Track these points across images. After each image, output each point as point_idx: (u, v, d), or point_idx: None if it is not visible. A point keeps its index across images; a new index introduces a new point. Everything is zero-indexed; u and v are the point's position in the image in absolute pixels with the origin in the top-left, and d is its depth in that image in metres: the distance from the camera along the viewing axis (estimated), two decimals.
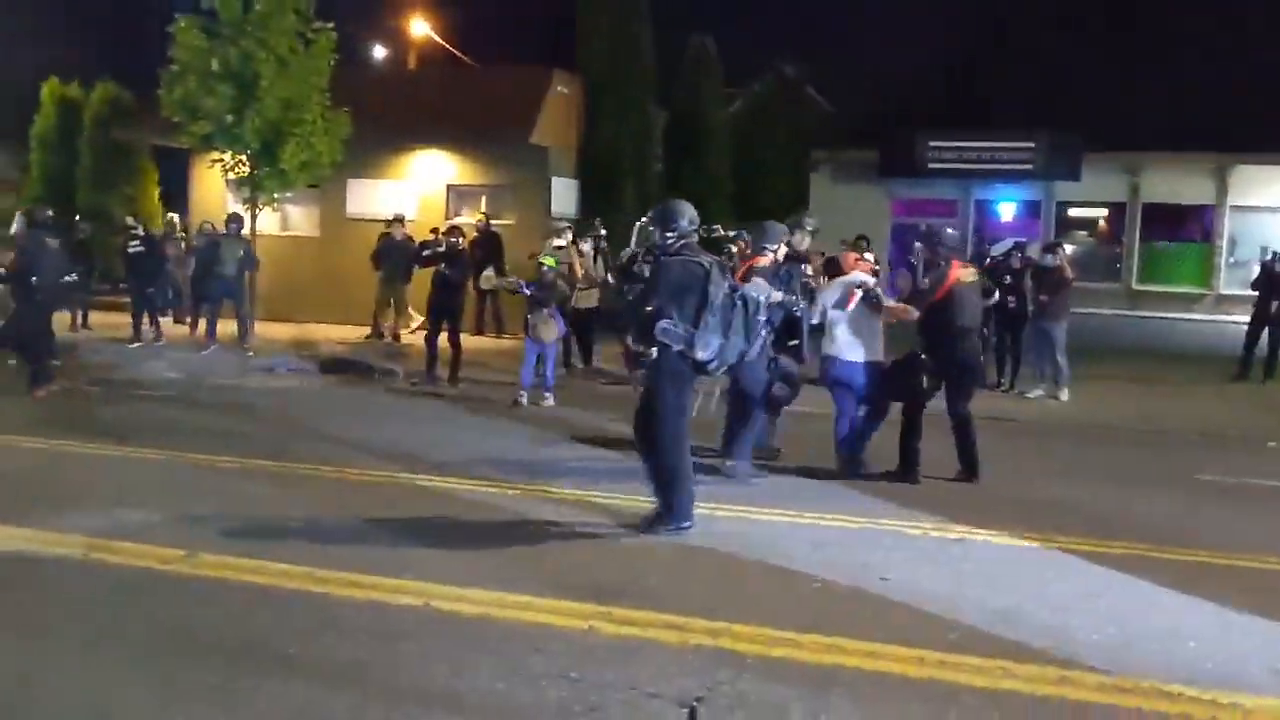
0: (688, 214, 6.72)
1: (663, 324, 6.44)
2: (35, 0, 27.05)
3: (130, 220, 16.45)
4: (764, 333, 7.42)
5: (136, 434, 9.31)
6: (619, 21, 20.00)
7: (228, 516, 6.81)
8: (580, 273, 13.43)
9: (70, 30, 27.37)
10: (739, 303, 6.62)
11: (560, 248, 13.19)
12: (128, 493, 7.29)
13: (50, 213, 12.19)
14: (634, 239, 8.68)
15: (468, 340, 13.65)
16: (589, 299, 14.03)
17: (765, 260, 8.45)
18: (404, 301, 16.74)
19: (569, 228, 14.56)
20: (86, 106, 21.16)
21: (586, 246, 14.42)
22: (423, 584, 5.54)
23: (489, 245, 16.92)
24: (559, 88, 19.18)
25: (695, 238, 6.77)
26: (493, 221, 17.74)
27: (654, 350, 6.52)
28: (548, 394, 11.65)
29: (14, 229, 12.86)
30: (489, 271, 14.00)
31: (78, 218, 18.09)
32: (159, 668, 4.47)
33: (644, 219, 7.44)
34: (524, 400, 11.48)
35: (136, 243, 15.58)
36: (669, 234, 6.66)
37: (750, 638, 4.92)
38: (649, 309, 6.53)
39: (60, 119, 21.47)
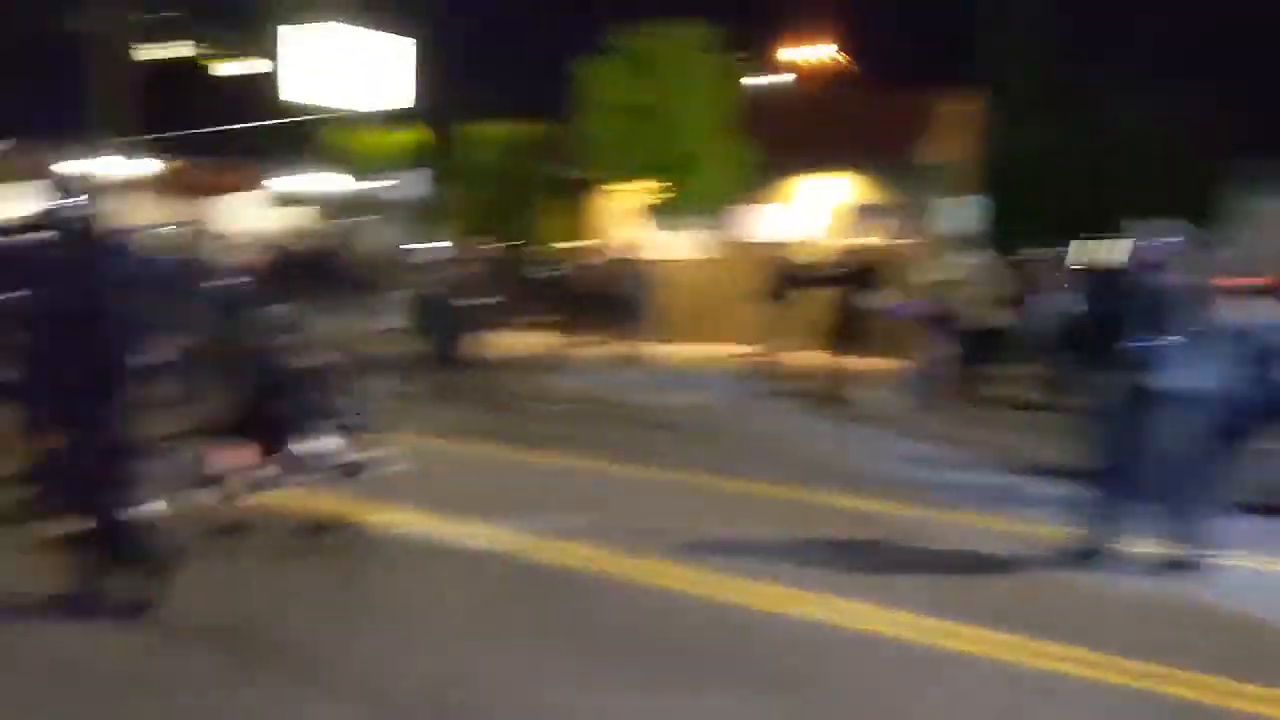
0: (1181, 233, 6.28)
1: (1142, 345, 6.03)
2: (477, 49, 30.05)
3: (552, 246, 17.67)
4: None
5: (552, 442, 10.01)
6: (1025, 37, 19.24)
7: (639, 522, 7.16)
8: (979, 291, 12.98)
9: (506, 73, 30.10)
10: (1230, 331, 6.11)
11: (962, 266, 12.85)
12: (548, 496, 7.86)
13: (452, 238, 13.38)
14: (1080, 255, 8.22)
15: (853, 360, 13.51)
16: (989, 318, 13.51)
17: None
18: (800, 324, 16.86)
19: (972, 246, 14.12)
20: (515, 143, 23.18)
21: (986, 263, 13.92)
22: (835, 599, 5.55)
23: (879, 266, 16.72)
24: (956, 105, 18.71)
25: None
26: (890, 241, 17.55)
27: (1124, 374, 6.13)
28: (936, 417, 11.26)
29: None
30: (875, 292, 13.85)
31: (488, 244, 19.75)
32: (585, 663, 4.75)
33: (1134, 235, 6.81)
34: (927, 424, 11.20)
35: (555, 267, 16.69)
36: (1162, 253, 6.22)
37: (1200, 686, 4.51)
38: (1128, 328, 6.13)
39: (496, 154, 23.69)
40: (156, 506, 6.51)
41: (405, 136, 24.75)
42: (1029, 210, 17.83)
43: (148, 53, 22.02)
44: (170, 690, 4.33)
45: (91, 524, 5.12)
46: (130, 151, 23.04)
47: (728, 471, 8.85)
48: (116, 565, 5.20)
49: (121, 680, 4.41)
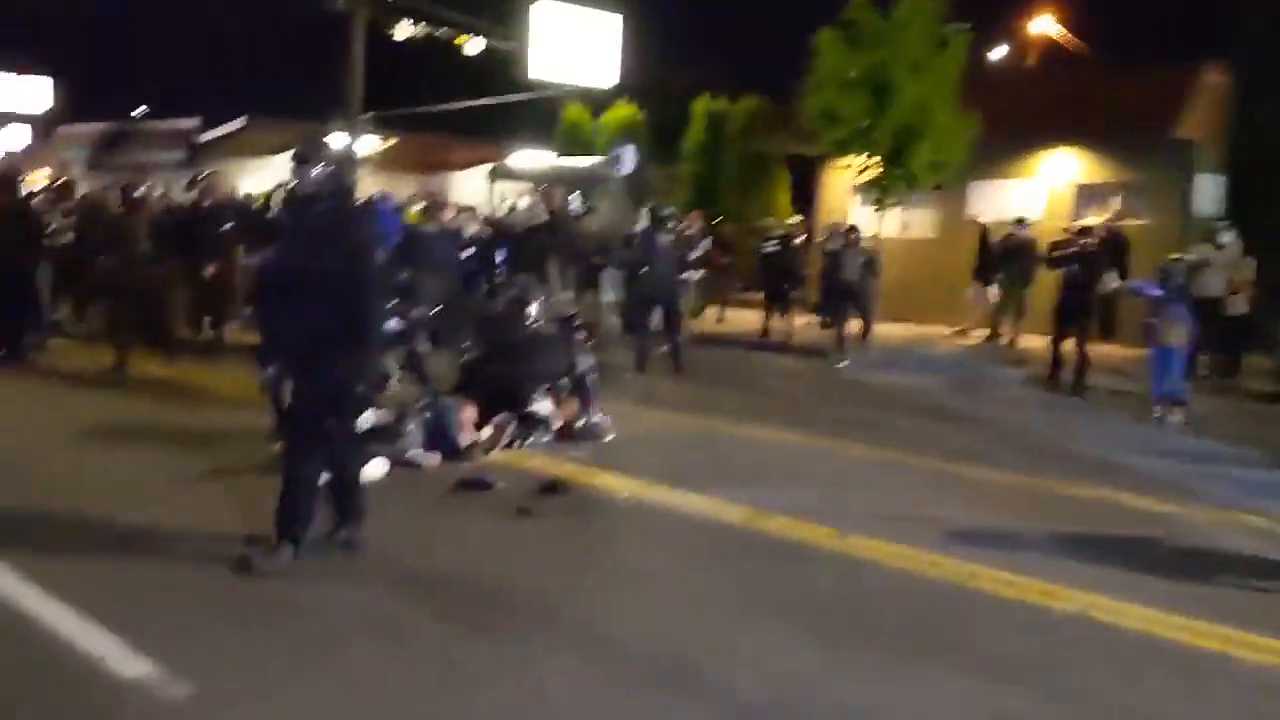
0: None
1: None
2: (691, 25, 30.24)
3: (770, 222, 17.57)
4: None
5: (773, 417, 10.00)
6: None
7: (870, 501, 7.10)
8: (1223, 275, 12.20)
9: (719, 49, 30.15)
10: None
11: (1204, 248, 12.10)
12: (772, 470, 7.87)
13: (670, 212, 13.41)
14: None
15: (1085, 344, 12.89)
16: (1232, 305, 12.72)
17: None
18: (1025, 305, 16.29)
19: (1228, 226, 13.28)
20: (731, 119, 23.18)
21: (1230, 247, 13.06)
22: (1076, 591, 5.37)
23: (1113, 247, 15.92)
24: (1198, 79, 17.57)
25: None
26: (1123, 221, 16.68)
27: None
28: (1176, 408, 10.64)
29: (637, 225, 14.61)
30: (1111, 274, 13.18)
31: (716, 221, 19.80)
32: (822, 638, 4.75)
33: None
34: (1166, 415, 10.61)
35: (774, 243, 16.57)
36: None
37: None
38: None
39: (708, 132, 23.75)
40: (384, 463, 6.94)
41: (622, 112, 25.12)
42: (1273, 189, 16.54)
43: (401, 31, 23.04)
44: (405, 638, 4.55)
45: (328, 475, 5.46)
46: (370, 126, 24.23)
47: (956, 454, 8.65)
48: (349, 516, 5.54)
49: (358, 627, 4.66)
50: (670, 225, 12.88)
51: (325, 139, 5.99)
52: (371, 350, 5.27)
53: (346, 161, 5.26)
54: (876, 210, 16.90)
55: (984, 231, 17.14)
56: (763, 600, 5.20)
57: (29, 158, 29.22)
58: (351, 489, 5.58)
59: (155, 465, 7.26)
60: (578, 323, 9.00)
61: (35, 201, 13.85)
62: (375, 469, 6.82)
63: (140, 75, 45.90)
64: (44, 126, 33.36)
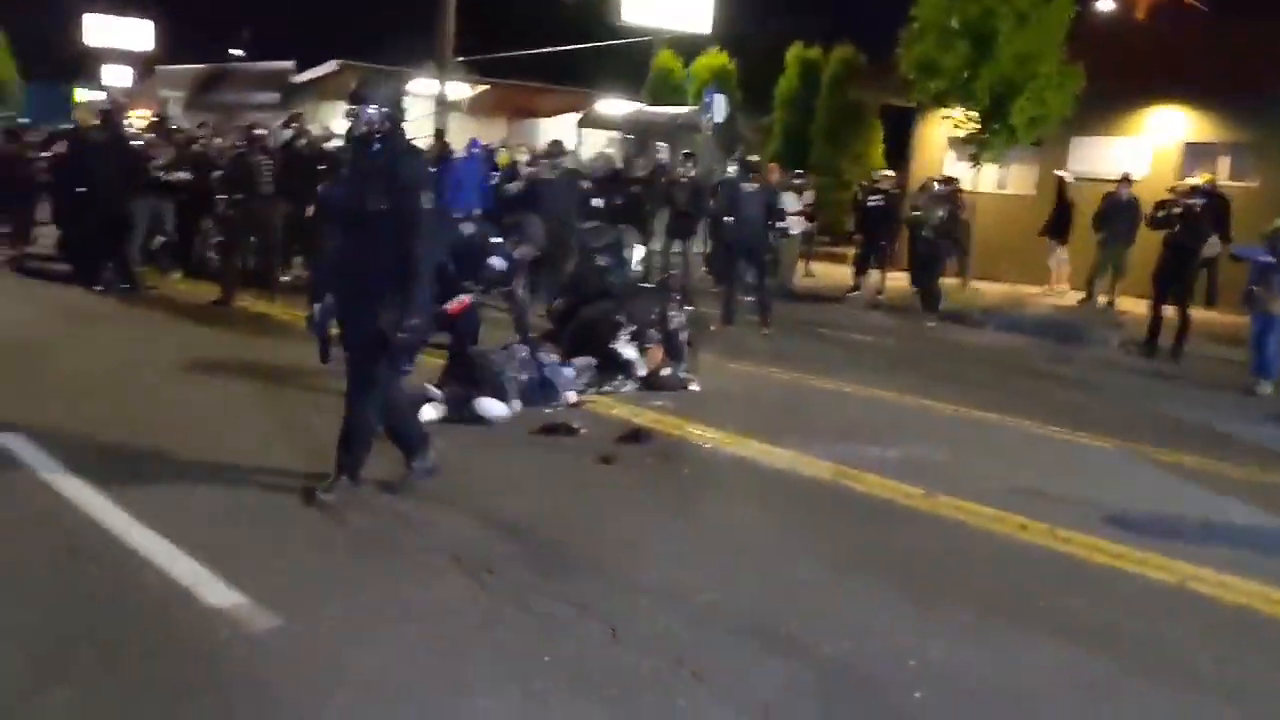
0: None
1: None
2: None
3: (873, 176, 17.12)
4: None
5: (861, 374, 9.83)
6: None
7: (959, 461, 6.94)
8: None
9: None
10: None
11: None
12: (860, 427, 7.73)
13: (753, 160, 13.15)
14: None
15: (1186, 309, 12.39)
16: None
17: None
18: (1125, 266, 15.77)
19: None
20: (825, 68, 22.71)
21: None
22: (1174, 561, 5.19)
23: (1215, 209, 15.27)
24: None
25: None
26: (1231, 182, 16.00)
27: None
28: (1265, 381, 10.18)
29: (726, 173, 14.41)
30: (1214, 238, 12.64)
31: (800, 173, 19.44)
32: (909, 598, 4.64)
33: None
34: (1255, 386, 10.18)
35: (877, 197, 16.19)
36: None
37: None
38: None
39: (801, 81, 23.30)
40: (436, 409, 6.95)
41: (714, 60, 24.76)
42: None
43: None
44: (487, 578, 4.53)
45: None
46: (460, 72, 24.24)
47: (1047, 416, 8.41)
48: (413, 448, 5.61)
49: (442, 566, 4.66)
50: (757, 174, 12.63)
51: (382, 79, 5.98)
52: (419, 290, 5.26)
53: (399, 103, 5.29)
54: (972, 165, 16.46)
55: (1061, 186, 16.59)
56: (849, 557, 5.10)
57: (130, 96, 29.87)
58: (403, 424, 5.64)
59: (252, 398, 7.40)
60: (672, 273, 8.91)
61: (142, 138, 14.22)
62: (428, 413, 6.87)
63: (237, 18, 46.53)
64: (144, 66, 34.04)
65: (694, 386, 8.57)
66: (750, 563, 4.93)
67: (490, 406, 7.04)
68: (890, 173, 17.45)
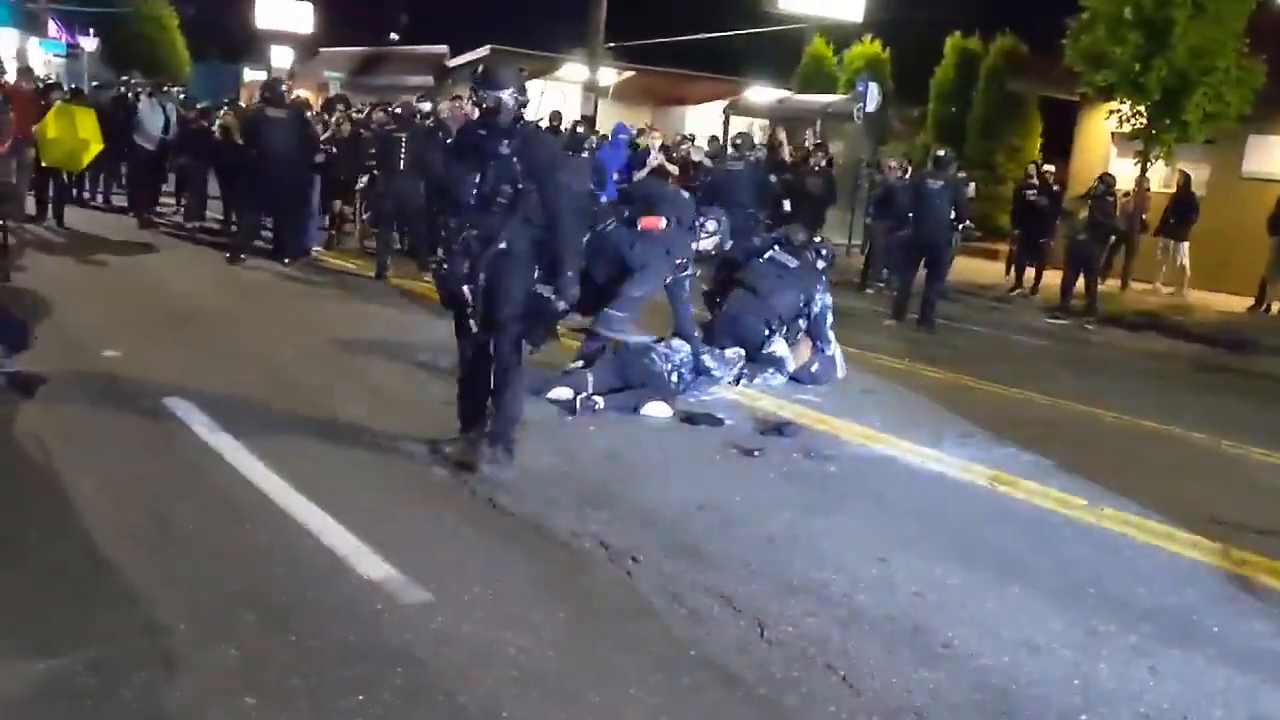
0: None
1: None
2: None
3: (1031, 170, 16.52)
4: None
5: (1018, 376, 9.48)
6: None
7: (1123, 472, 6.61)
8: None
9: None
10: None
11: None
12: (1017, 431, 7.42)
13: (951, 154, 12.78)
14: None
15: None
16: None
17: None
18: None
19: None
20: (983, 59, 21.99)
21: None
22: None
23: None
24: None
25: None
26: None
27: None
28: None
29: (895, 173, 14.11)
30: None
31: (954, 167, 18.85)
32: (1072, 614, 4.42)
33: None
34: None
35: (1034, 192, 15.61)
36: None
37: None
38: None
39: (958, 71, 22.62)
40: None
41: (867, 49, 24.26)
42: None
43: None
44: (632, 566, 4.50)
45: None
46: (608, 58, 24.36)
47: (1214, 428, 7.97)
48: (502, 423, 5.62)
49: (589, 552, 4.65)
50: (952, 170, 12.27)
51: (508, 63, 6.13)
52: (568, 267, 5.41)
53: (524, 86, 5.42)
54: (1137, 163, 15.72)
55: (1185, 182, 15.91)
56: (1007, 567, 4.88)
57: (293, 77, 30.93)
58: (505, 400, 5.62)
59: (408, 374, 7.53)
60: (820, 261, 8.68)
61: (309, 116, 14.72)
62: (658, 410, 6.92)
63: (394, 3, 47.76)
64: (306, 48, 35.21)
65: (839, 372, 8.38)
66: (902, 567, 4.77)
67: (657, 410, 6.96)
68: (1049, 167, 16.80)
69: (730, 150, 12.50)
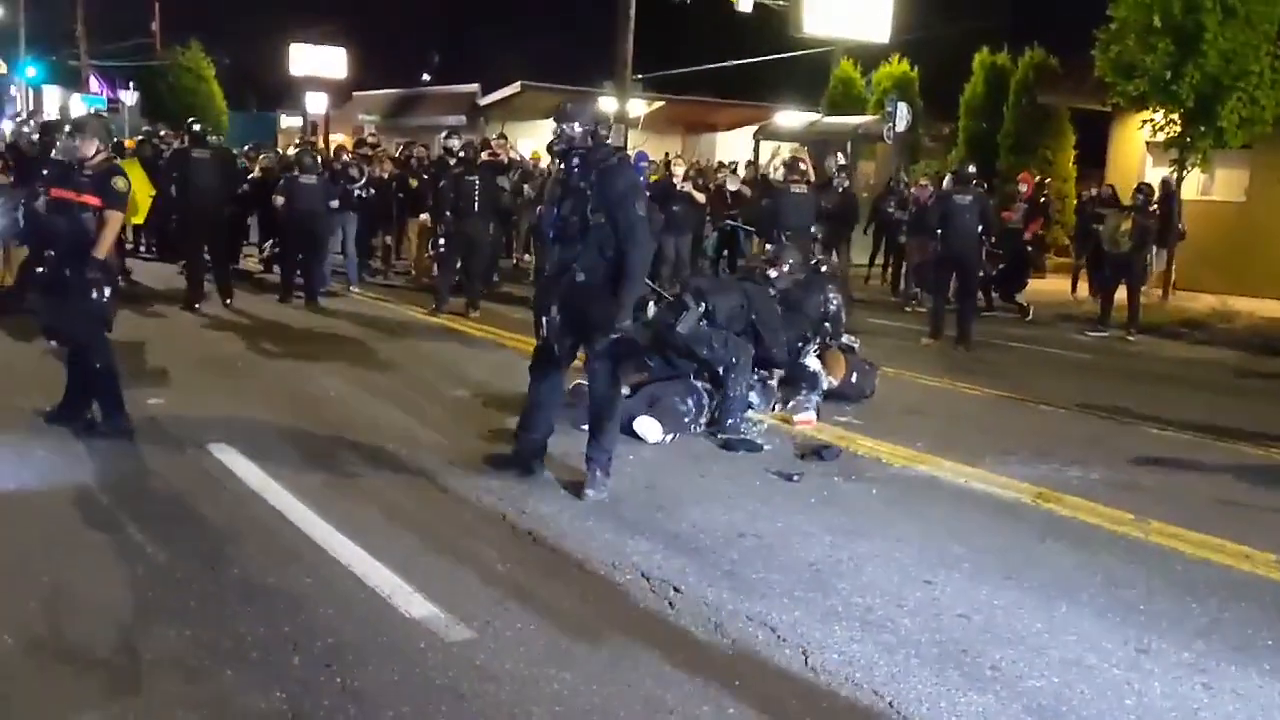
0: None
1: None
2: None
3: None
4: None
5: (1061, 391, 9.37)
6: None
7: (1168, 485, 6.53)
8: None
9: (999, 2, 28.59)
10: None
11: None
12: (1061, 446, 7.34)
13: (972, 169, 12.75)
14: None
15: None
16: None
17: None
18: None
19: None
20: (1013, 73, 21.90)
21: None
22: None
23: None
24: None
25: None
26: None
27: None
28: None
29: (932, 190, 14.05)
30: None
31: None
32: (1122, 631, 4.35)
33: None
34: None
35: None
36: None
37: None
38: None
39: (988, 86, 22.54)
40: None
41: (895, 69, 24.25)
42: None
43: None
44: (674, 598, 4.49)
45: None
46: (638, 88, 24.51)
47: (1261, 439, 7.84)
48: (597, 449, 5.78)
49: (630, 585, 4.65)
50: (975, 185, 12.25)
51: (586, 100, 6.36)
52: (630, 294, 5.60)
53: (603, 119, 5.66)
54: (1174, 170, 15.55)
55: None
56: (1054, 585, 4.82)
57: (328, 121, 31.43)
58: (601, 426, 5.79)
59: (448, 411, 7.58)
60: (846, 284, 8.68)
61: (346, 158, 15.06)
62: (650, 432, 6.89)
63: (425, 44, 48.42)
64: (340, 93, 35.71)
65: (871, 397, 8.33)
66: (948, 589, 4.73)
67: (648, 428, 6.93)
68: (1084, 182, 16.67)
69: (790, 174, 12.47)
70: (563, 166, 5.79)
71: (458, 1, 45.19)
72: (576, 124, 5.60)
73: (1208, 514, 5.89)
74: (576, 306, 5.65)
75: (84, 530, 5.02)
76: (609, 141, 5.94)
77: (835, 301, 8.52)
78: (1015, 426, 7.99)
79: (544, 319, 5.83)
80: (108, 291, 6.26)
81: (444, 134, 14.25)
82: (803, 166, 12.73)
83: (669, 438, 6.95)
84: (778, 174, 16.18)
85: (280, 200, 12.54)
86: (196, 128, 12.94)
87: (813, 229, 12.39)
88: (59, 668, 3.74)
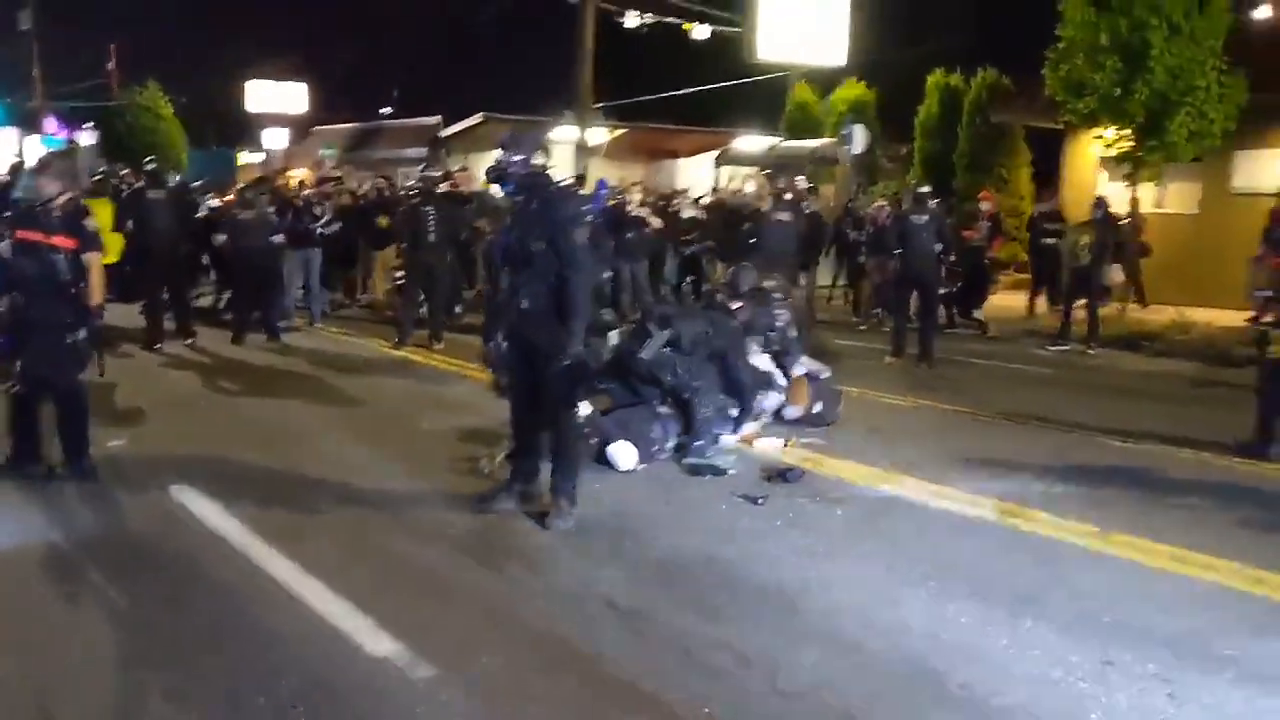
0: None
1: None
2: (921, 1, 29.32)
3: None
4: None
5: (1021, 406, 9.45)
6: None
7: (1129, 498, 6.59)
8: None
9: (952, 23, 29.00)
10: None
11: None
12: (1024, 461, 7.38)
13: (927, 189, 12.90)
14: None
15: None
16: None
17: None
18: None
19: None
20: (966, 93, 22.19)
21: None
22: None
23: None
24: None
25: None
26: None
27: None
28: None
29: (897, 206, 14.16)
30: None
31: (953, 199, 18.96)
32: (1087, 644, 4.38)
33: None
34: None
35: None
36: None
37: None
38: None
39: (942, 107, 22.81)
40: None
41: (851, 91, 24.50)
42: None
43: (630, 20, 23.45)
44: (644, 626, 4.49)
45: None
46: (599, 117, 24.63)
47: (1222, 448, 7.92)
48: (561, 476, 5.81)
49: (598, 615, 4.64)
50: (933, 205, 12.37)
51: (529, 129, 6.47)
52: (577, 321, 5.63)
53: (545, 149, 5.69)
54: (1128, 185, 15.79)
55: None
56: (1020, 601, 4.84)
57: (289, 155, 31.36)
58: (562, 455, 5.85)
59: (410, 444, 7.54)
60: (808, 308, 8.75)
61: (306, 194, 15.03)
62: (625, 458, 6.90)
63: (385, 77, 48.44)
64: (300, 128, 35.69)
65: (837, 420, 8.36)
66: (915, 607, 4.74)
67: (623, 453, 6.93)
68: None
69: (777, 200, 12.51)
70: (515, 196, 5.86)
71: (417, 34, 45.23)
72: (517, 153, 5.69)
73: (1169, 525, 5.95)
74: (524, 335, 5.74)
75: (44, 578, 4.95)
76: (551, 170, 5.95)
77: (783, 317, 8.55)
78: (978, 442, 8.05)
79: (489, 346, 5.99)
80: (83, 333, 6.17)
81: (421, 166, 14.29)
82: (789, 196, 12.81)
83: (640, 466, 6.95)
84: (763, 201, 16.30)
85: (222, 238, 12.55)
86: (151, 167, 12.89)
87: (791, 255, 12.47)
88: (23, 718, 3.68)
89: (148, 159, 14.29)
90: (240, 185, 15.62)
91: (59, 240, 6.08)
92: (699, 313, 8.26)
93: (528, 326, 5.70)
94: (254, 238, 12.39)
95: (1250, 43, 16.28)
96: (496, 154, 5.79)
